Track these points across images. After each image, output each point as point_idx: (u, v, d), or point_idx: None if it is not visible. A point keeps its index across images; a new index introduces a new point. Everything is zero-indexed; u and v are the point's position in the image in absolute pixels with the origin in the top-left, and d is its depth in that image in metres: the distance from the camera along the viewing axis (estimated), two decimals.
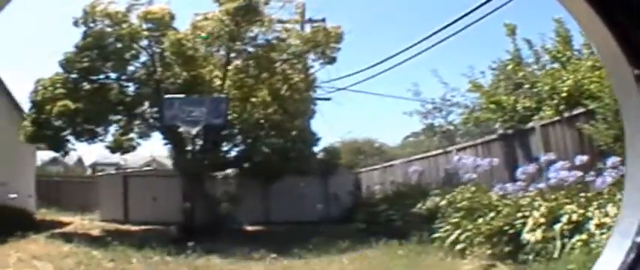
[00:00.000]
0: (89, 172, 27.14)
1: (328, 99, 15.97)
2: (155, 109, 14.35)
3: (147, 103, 14.64)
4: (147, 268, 9.29)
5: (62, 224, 14.88)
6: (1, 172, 13.59)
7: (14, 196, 13.03)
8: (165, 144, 15.48)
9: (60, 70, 14.09)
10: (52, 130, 13.81)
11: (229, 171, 16.43)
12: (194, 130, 13.29)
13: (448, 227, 8.28)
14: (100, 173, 22.63)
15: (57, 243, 11.54)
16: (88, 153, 27.66)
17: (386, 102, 29.33)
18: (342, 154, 17.77)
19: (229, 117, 13.60)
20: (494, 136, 10.10)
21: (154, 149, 24.17)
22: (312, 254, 9.63)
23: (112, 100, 14.03)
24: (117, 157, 23.69)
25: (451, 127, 13.73)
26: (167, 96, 13.34)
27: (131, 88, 14.66)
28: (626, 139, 0.88)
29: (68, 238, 11.96)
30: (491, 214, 7.43)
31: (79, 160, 28.57)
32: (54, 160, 24.91)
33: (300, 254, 9.68)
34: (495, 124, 10.13)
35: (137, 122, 15.14)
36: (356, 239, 10.66)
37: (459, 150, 11.29)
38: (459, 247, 7.75)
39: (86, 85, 13.95)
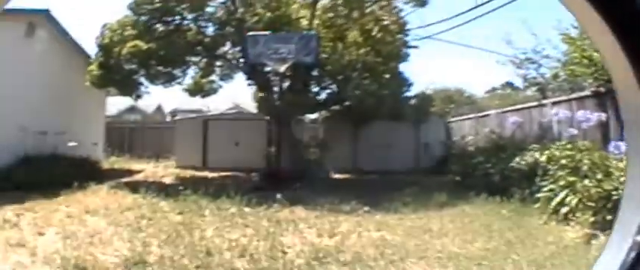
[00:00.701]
0: (168, 119, 26.71)
1: (416, 47, 14.68)
2: (238, 48, 13.68)
3: (228, 44, 14.01)
4: (220, 221, 7.68)
5: (132, 173, 13.72)
6: (61, 120, 12.63)
7: (73, 144, 11.87)
8: (250, 85, 14.60)
9: (129, 13, 13.24)
10: (121, 74, 13.02)
11: (316, 115, 16.05)
12: (282, 68, 12.40)
13: (552, 186, 7.43)
14: (178, 118, 21.90)
15: (121, 194, 10.14)
16: (168, 100, 27.25)
17: (471, 52, 29.25)
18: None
19: (319, 57, 12.76)
20: (587, 93, 9.08)
21: (237, 96, 23.34)
22: (408, 209, 8.63)
23: (189, 41, 13.13)
24: (198, 104, 22.90)
25: (543, 80, 12.74)
26: (251, 33, 12.44)
27: (210, 29, 13.85)
28: (627, 140, 0.90)
29: (135, 187, 10.60)
30: (599, 176, 6.53)
31: (159, 108, 28.21)
32: (132, 109, 24.54)
33: (394, 208, 8.68)
34: (586, 81, 9.21)
35: (218, 63, 14.61)
36: (452, 193, 9.84)
37: (553, 104, 10.34)
38: (563, 210, 6.89)
39: (160, 27, 13.17)
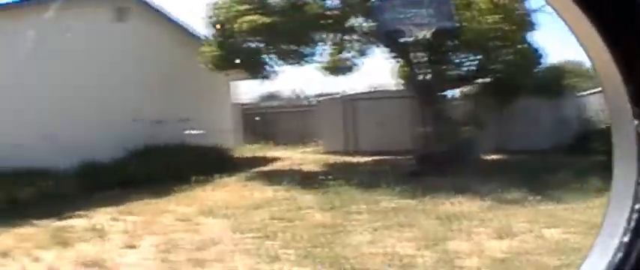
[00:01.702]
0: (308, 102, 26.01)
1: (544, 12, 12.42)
2: (370, 20, 12.30)
3: (359, 16, 12.56)
4: (375, 220, 6.07)
5: (269, 161, 12.34)
6: (180, 107, 11.71)
7: (195, 132, 10.82)
8: (390, 57, 13.23)
9: None
10: (243, 53, 12.00)
11: (461, 90, 14.89)
12: (421, 34, 10.96)
13: None
14: (316, 99, 20.91)
15: (253, 186, 8.57)
16: (306, 87, 26.64)
17: None
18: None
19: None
20: None
21: (372, 77, 22.56)
22: (572, 196, 7.41)
23: (313, 14, 11.91)
24: (338, 88, 21.83)
25: None
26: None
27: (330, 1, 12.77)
28: (613, 140, 0.91)
29: (271, 178, 9.12)
30: None
31: (297, 96, 27.74)
32: (271, 96, 24.27)
33: (558, 197, 7.45)
34: None
35: (350, 38, 13.25)
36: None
37: None
38: None
39: (276, 1, 12.11)
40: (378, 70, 18.01)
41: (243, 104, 17.10)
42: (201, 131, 10.89)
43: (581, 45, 0.91)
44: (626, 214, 0.82)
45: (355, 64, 13.81)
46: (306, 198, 7.37)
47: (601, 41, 0.81)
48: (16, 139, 8.70)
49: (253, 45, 12.05)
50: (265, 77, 13.16)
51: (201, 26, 12.99)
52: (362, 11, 12.24)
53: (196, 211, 6.75)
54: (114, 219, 6.60)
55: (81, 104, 10.00)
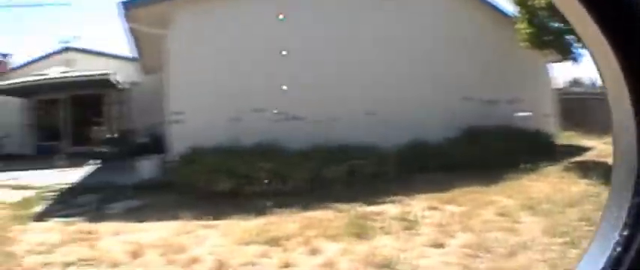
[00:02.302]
0: None
1: None
2: None
3: None
4: None
5: (580, 150, 11.18)
6: (508, 88, 11.27)
7: (525, 114, 10.45)
8: None
9: None
10: (549, 32, 10.72)
11: None
12: None
13: None
14: None
15: (569, 178, 7.89)
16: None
17: None
18: None
19: None
20: None
21: None
22: None
23: None
24: None
25: None
26: None
27: None
28: (613, 136, 0.92)
29: (584, 170, 8.18)
30: None
31: (593, 81, 23.81)
32: (574, 82, 21.81)
33: None
34: None
35: None
36: None
37: None
38: None
39: None
40: None
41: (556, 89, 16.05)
42: (529, 113, 10.44)
43: (585, 43, 0.92)
44: (626, 208, 0.83)
45: None
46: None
47: (602, 35, 0.80)
48: (336, 113, 9.15)
49: (556, 24, 11.22)
50: (574, 60, 11.96)
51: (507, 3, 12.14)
52: None
53: (518, 204, 6.49)
54: (431, 208, 6.44)
55: (406, 82, 10.07)
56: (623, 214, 0.85)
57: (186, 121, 9.34)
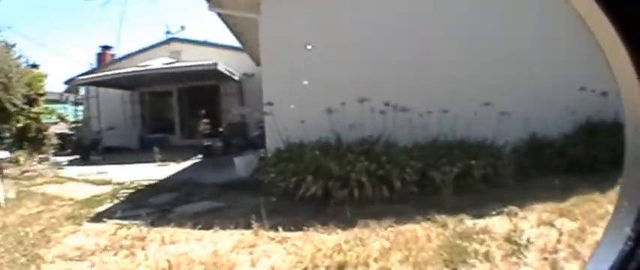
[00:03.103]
0: None
1: None
2: None
3: None
4: None
5: None
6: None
7: None
8: None
9: None
10: None
11: None
12: None
13: None
14: None
15: None
16: None
17: None
18: None
19: None
20: None
21: None
22: None
23: None
24: None
25: None
26: None
27: None
28: (625, 133, 0.98)
29: None
30: None
31: None
32: None
33: None
34: None
35: None
36: None
37: None
38: None
39: None
40: None
41: None
42: None
43: (599, 43, 0.97)
44: (638, 203, 0.91)
45: None
46: None
47: (617, 36, 0.86)
48: (448, 104, 8.29)
49: None
50: None
51: None
52: None
53: None
54: (544, 223, 5.29)
55: (522, 69, 9.18)
56: (635, 209, 0.92)
57: (280, 114, 8.50)
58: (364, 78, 8.51)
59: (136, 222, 6.43)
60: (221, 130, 16.11)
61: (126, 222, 6.44)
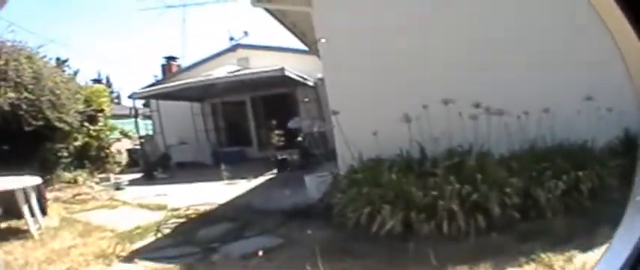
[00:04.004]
0: None
1: None
2: None
3: None
4: None
5: None
6: None
7: None
8: None
9: None
10: None
11: None
12: None
13: None
14: None
15: None
16: None
17: None
18: None
19: None
20: None
21: None
22: None
23: None
24: None
25: None
26: None
27: None
28: None
29: None
30: None
31: None
32: None
33: None
34: None
35: None
36: None
37: None
38: None
39: None
40: None
41: None
42: None
43: (615, 42, 1.00)
44: None
45: None
46: None
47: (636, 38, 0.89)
48: (547, 102, 7.10)
49: None
50: None
51: None
52: None
53: None
54: None
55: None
56: None
57: (349, 123, 7.40)
58: (447, 75, 7.25)
59: (171, 265, 5.62)
60: (300, 140, 15.27)
61: (159, 265, 5.66)
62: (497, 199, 5.66)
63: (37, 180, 8.09)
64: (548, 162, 6.22)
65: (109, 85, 28.68)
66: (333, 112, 7.51)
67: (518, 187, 5.80)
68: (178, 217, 8.38)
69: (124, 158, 15.91)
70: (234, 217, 7.92)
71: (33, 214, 8.01)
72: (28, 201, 8.00)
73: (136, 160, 15.86)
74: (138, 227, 7.69)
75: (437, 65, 7.41)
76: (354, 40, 7.67)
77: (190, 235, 7.12)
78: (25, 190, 7.89)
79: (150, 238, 7.12)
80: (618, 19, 0.90)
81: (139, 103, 19.08)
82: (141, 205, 9.68)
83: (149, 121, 18.78)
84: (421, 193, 5.72)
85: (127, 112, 18.48)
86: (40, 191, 9.07)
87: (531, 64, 7.43)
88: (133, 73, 52.35)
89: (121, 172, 14.37)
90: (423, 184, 5.85)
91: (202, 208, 8.90)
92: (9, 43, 10.91)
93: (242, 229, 7.14)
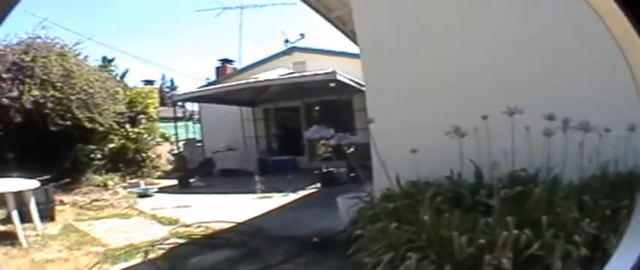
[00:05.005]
0: None
1: None
2: None
3: None
4: None
5: None
6: None
7: None
8: None
9: None
10: None
11: None
12: None
13: None
14: None
15: None
16: None
17: None
18: None
19: None
20: None
21: None
22: None
23: None
24: None
25: None
26: None
27: None
28: None
29: None
30: None
31: None
32: None
33: None
34: None
35: None
36: None
37: None
38: None
39: None
40: None
41: None
42: None
43: (617, 42, 0.95)
44: None
45: None
46: None
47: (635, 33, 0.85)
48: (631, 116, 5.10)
49: None
50: None
51: None
52: None
53: None
54: None
55: None
56: None
57: (387, 136, 5.97)
58: (509, 79, 5.70)
59: None
60: (350, 151, 13.85)
61: None
62: (562, 249, 4.05)
63: (33, 184, 7.28)
64: (625, 195, 4.49)
65: (173, 87, 28.43)
66: (368, 120, 6.14)
67: (588, 233, 4.17)
68: (181, 236, 7.22)
69: (164, 163, 15.14)
70: (240, 243, 6.61)
71: (31, 220, 7.29)
72: (25, 205, 7.30)
73: (180, 166, 15.09)
74: (130, 245, 6.59)
75: (501, 63, 5.94)
76: (397, 33, 6.33)
77: (180, 261, 5.86)
78: (22, 194, 7.19)
79: (135, 260, 5.96)
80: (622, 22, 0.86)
81: (195, 106, 18.42)
82: (154, 217, 8.62)
83: (198, 126, 18.07)
84: (465, 238, 4.18)
85: (180, 115, 17.82)
86: (48, 195, 8.35)
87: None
88: (195, 78, 52.85)
89: (160, 178, 13.52)
90: (472, 225, 4.32)
91: (214, 227, 7.72)
92: (39, 40, 10.28)
93: (240, 261, 5.83)
